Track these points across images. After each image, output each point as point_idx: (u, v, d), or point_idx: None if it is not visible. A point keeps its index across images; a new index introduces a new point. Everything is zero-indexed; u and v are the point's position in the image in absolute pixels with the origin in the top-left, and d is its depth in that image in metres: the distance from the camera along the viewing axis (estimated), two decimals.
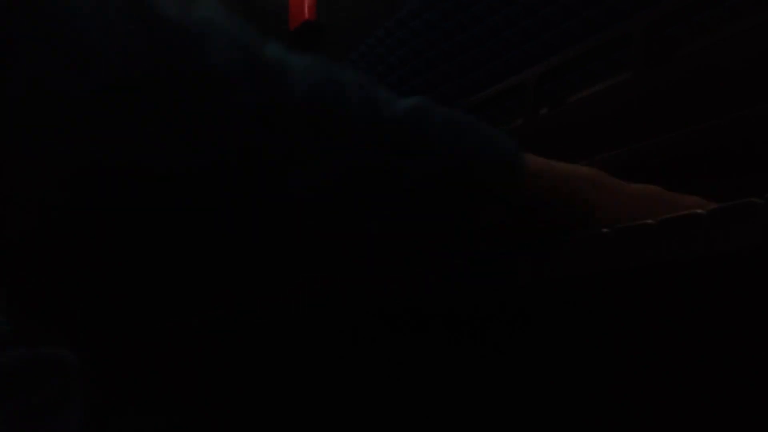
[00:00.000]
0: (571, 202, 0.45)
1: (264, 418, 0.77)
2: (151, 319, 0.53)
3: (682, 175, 0.60)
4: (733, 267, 0.33)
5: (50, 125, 0.35)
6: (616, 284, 0.39)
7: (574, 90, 0.78)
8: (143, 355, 0.84)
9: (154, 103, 0.36)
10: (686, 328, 0.39)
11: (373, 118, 0.43)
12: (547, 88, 0.81)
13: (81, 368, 0.42)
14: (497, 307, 0.49)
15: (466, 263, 0.46)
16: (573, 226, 0.43)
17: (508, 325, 0.50)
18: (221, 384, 0.83)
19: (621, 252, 0.37)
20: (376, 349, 0.62)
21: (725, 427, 0.38)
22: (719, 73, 0.60)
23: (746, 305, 0.35)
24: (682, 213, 0.34)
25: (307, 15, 1.69)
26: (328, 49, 1.66)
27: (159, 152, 0.36)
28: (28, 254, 0.40)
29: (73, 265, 0.41)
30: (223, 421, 0.82)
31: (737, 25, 0.60)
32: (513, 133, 0.82)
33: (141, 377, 0.85)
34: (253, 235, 0.41)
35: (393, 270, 0.47)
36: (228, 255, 0.42)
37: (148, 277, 0.42)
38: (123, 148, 0.36)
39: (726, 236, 0.32)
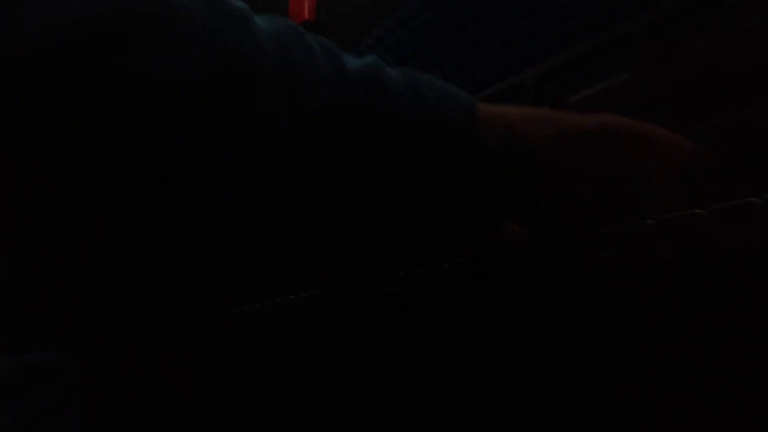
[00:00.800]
0: (521, 143, 0.44)
1: (263, 418, 0.77)
2: (150, 317, 0.54)
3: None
4: (733, 267, 0.33)
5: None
6: (616, 284, 0.39)
7: (574, 90, 0.78)
8: (143, 355, 0.84)
9: None
10: (686, 328, 0.39)
11: (340, 76, 0.43)
12: (547, 88, 0.81)
13: (80, 371, 0.42)
14: (498, 307, 0.49)
15: (465, 263, 0.46)
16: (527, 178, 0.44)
17: (509, 325, 0.50)
18: (220, 384, 0.83)
19: (621, 252, 0.37)
20: (374, 348, 0.62)
21: (725, 427, 0.38)
22: (719, 73, 0.60)
23: (746, 305, 0.35)
24: (682, 213, 0.34)
25: (307, 15, 1.69)
26: None
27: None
28: (30, 251, 0.40)
29: (75, 262, 0.41)
30: (222, 421, 0.82)
31: (737, 25, 0.60)
32: None
33: (141, 378, 0.85)
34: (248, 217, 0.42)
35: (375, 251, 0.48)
36: (227, 252, 0.43)
37: (153, 273, 0.43)
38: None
39: (726, 236, 0.32)
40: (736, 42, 0.59)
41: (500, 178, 0.45)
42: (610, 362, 0.44)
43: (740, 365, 0.37)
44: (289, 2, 1.76)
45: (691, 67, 0.62)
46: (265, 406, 0.77)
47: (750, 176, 0.54)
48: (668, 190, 0.44)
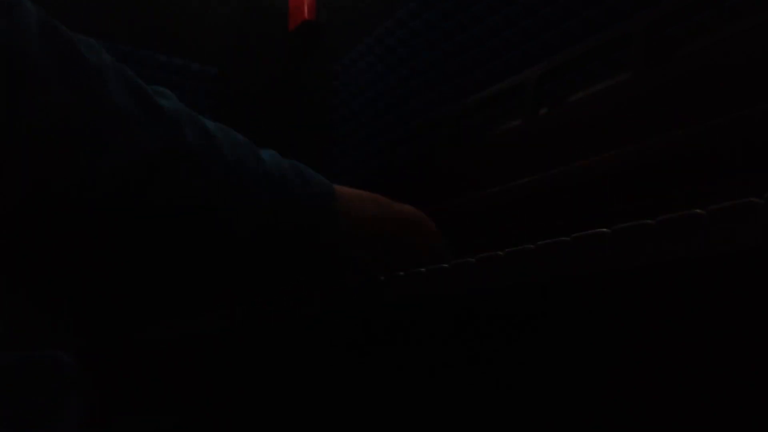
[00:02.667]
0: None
1: (262, 419, 0.77)
2: (144, 319, 0.57)
3: (682, 176, 0.60)
4: (733, 267, 0.33)
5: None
6: (616, 284, 0.39)
7: (574, 90, 0.78)
8: (142, 356, 0.84)
9: None
10: (686, 328, 0.39)
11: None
12: (547, 88, 0.81)
13: (80, 370, 0.42)
14: (498, 308, 0.49)
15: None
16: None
17: (509, 325, 0.50)
18: (220, 385, 0.83)
19: (621, 252, 0.37)
20: (369, 353, 0.62)
21: (725, 427, 0.38)
22: (719, 73, 0.60)
23: (746, 305, 0.35)
24: (682, 213, 0.34)
25: (306, 15, 1.69)
26: (328, 49, 1.66)
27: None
28: (28, 260, 0.42)
29: (68, 270, 0.44)
30: (221, 421, 0.82)
31: (737, 25, 0.60)
32: (513, 133, 0.82)
33: (140, 378, 0.85)
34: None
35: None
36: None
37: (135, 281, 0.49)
38: None
39: (726, 236, 0.32)
40: (736, 42, 0.59)
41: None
42: (611, 362, 0.44)
43: (740, 365, 0.37)
44: (289, 2, 1.76)
45: (691, 67, 0.62)
46: (263, 407, 0.77)
47: (750, 176, 0.54)
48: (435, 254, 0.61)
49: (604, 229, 0.38)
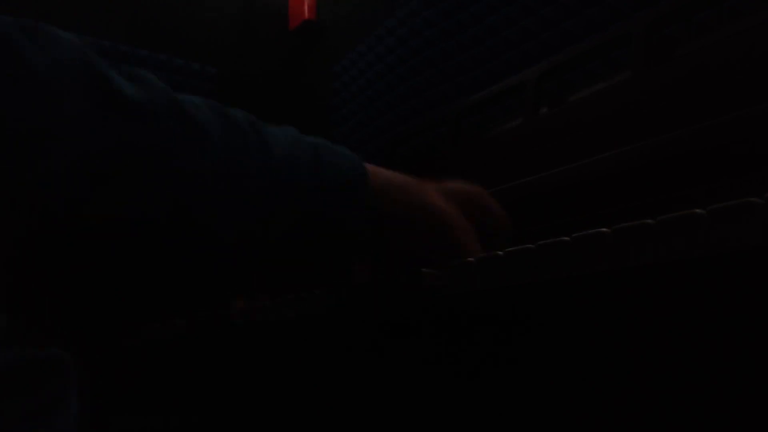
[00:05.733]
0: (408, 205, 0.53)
1: (262, 419, 0.77)
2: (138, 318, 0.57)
3: (682, 175, 0.60)
4: (733, 267, 0.33)
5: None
6: (616, 284, 0.39)
7: (574, 90, 0.78)
8: (142, 356, 0.84)
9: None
10: (687, 328, 0.39)
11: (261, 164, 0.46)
12: (547, 88, 0.81)
13: (79, 369, 0.42)
14: (498, 308, 0.49)
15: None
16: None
17: (509, 326, 0.50)
18: (219, 385, 0.83)
19: (621, 252, 0.37)
20: (369, 353, 0.62)
21: (725, 427, 0.38)
22: (719, 73, 0.60)
23: (746, 305, 0.35)
24: (682, 213, 0.34)
25: (307, 15, 1.69)
26: (328, 48, 1.66)
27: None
28: (28, 268, 0.41)
29: (65, 276, 0.43)
30: (222, 421, 0.82)
31: (737, 25, 0.60)
32: (513, 133, 0.82)
33: (140, 378, 0.85)
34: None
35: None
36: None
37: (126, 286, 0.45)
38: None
39: (726, 236, 0.32)
40: (736, 42, 0.59)
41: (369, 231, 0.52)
42: (611, 362, 0.44)
43: (740, 365, 0.37)
44: (289, 2, 1.76)
45: (691, 67, 0.62)
46: (262, 407, 0.77)
47: (750, 176, 0.54)
48: (473, 249, 0.54)
49: (604, 229, 0.38)
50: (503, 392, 0.51)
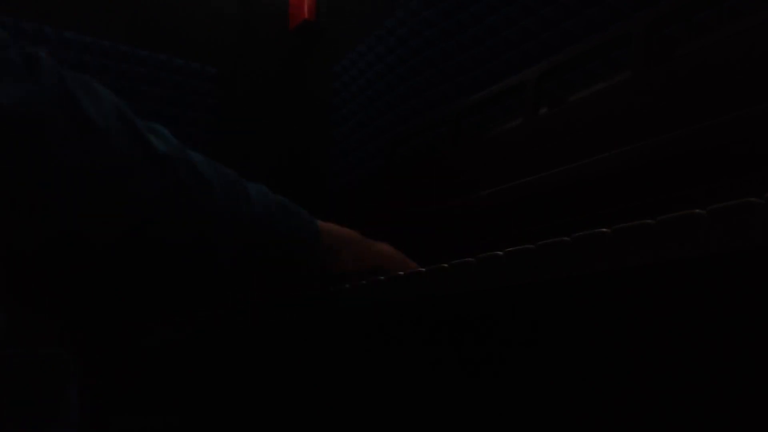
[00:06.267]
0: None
1: (262, 419, 0.77)
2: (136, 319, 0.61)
3: (682, 176, 0.60)
4: (733, 267, 0.33)
5: None
6: (616, 284, 0.39)
7: (574, 90, 0.78)
8: (142, 357, 0.84)
9: None
10: (687, 328, 0.39)
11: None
12: (547, 88, 0.81)
13: (79, 369, 0.42)
14: (498, 308, 0.49)
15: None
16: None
17: (509, 326, 0.50)
18: (219, 385, 0.83)
19: (621, 252, 0.37)
20: (369, 354, 0.62)
21: (725, 427, 0.38)
22: (719, 73, 0.60)
23: (746, 305, 0.35)
24: (682, 213, 0.34)
25: (306, 15, 1.69)
26: (328, 48, 1.66)
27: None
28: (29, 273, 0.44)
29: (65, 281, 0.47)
30: (222, 421, 0.82)
31: (737, 25, 0.60)
32: (513, 133, 0.82)
33: (140, 378, 0.85)
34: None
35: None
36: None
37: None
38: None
39: (726, 236, 0.32)
40: (736, 42, 0.59)
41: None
42: (611, 362, 0.44)
43: (740, 365, 0.37)
44: (289, 2, 1.76)
45: (691, 67, 0.62)
46: (261, 407, 0.77)
47: (750, 176, 0.54)
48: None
49: (604, 229, 0.38)
50: (503, 392, 0.51)
